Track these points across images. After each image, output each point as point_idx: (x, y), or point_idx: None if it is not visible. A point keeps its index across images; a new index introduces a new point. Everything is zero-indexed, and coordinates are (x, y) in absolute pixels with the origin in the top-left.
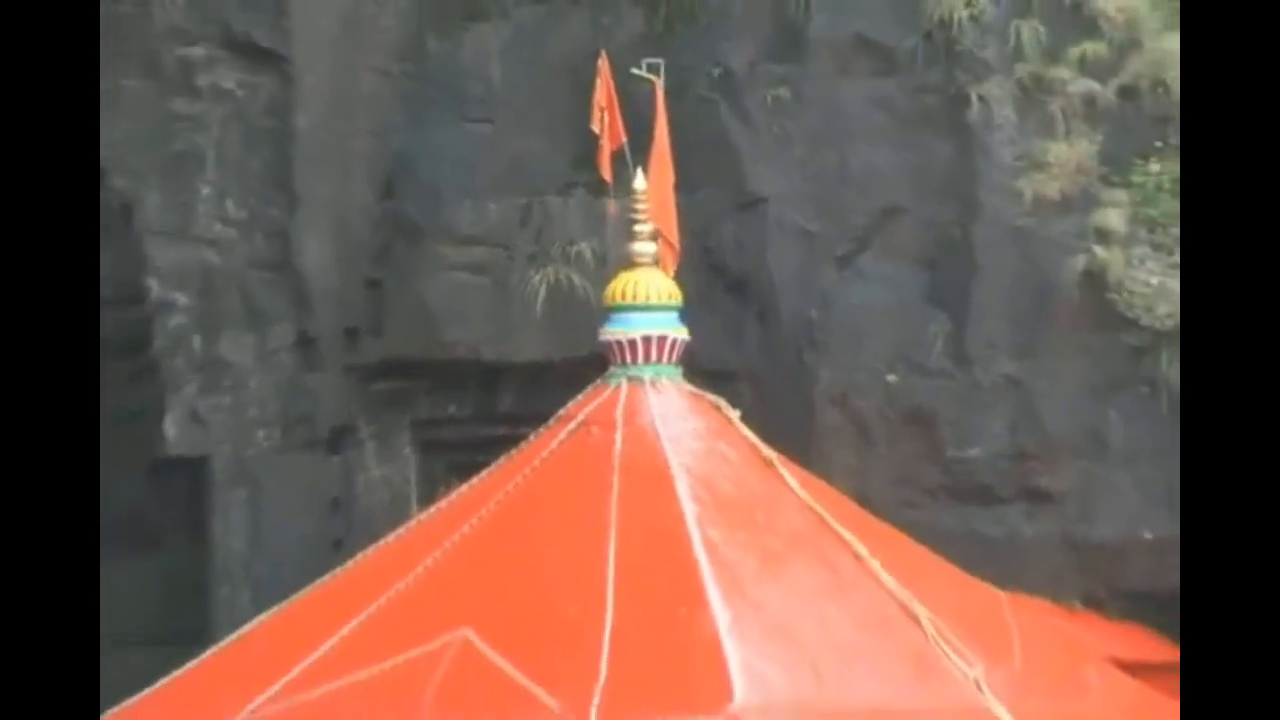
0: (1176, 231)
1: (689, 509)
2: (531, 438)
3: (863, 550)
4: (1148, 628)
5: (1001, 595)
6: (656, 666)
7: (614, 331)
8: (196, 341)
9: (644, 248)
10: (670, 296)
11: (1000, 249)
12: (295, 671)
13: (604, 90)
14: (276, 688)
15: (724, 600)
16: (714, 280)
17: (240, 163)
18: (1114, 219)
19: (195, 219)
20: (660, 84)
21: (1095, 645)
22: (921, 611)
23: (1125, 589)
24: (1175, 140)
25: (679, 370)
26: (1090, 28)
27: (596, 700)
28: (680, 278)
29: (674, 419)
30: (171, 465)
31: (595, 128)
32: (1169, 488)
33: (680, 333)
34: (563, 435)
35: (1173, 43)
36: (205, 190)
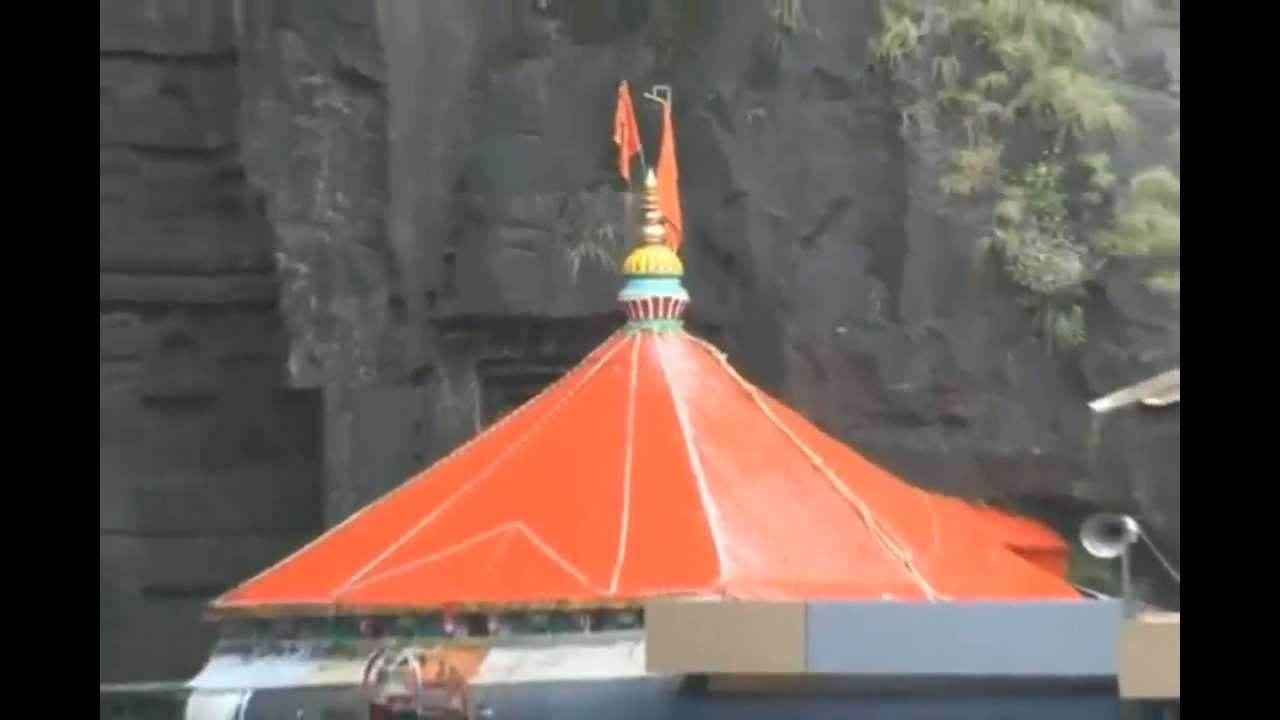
0: (1060, 219)
1: (687, 430)
2: (568, 375)
3: (819, 462)
4: (1036, 522)
5: (925, 497)
6: (662, 550)
7: (631, 294)
8: (313, 301)
9: (654, 230)
10: (674, 268)
11: (925, 233)
12: (386, 553)
13: (624, 110)
14: (372, 565)
15: (714, 500)
16: (706, 255)
17: (346, 165)
18: (1012, 210)
19: (313, 208)
20: (667, 106)
21: (996, 535)
22: (864, 509)
23: (1019, 493)
24: (1059, 149)
25: (680, 324)
26: (994, 63)
27: (616, 575)
28: (681, 253)
29: (676, 361)
30: (293, 396)
31: (617, 139)
32: (1053, 415)
33: (681, 295)
34: (591, 373)
35: (1057, 74)
36: (321, 186)
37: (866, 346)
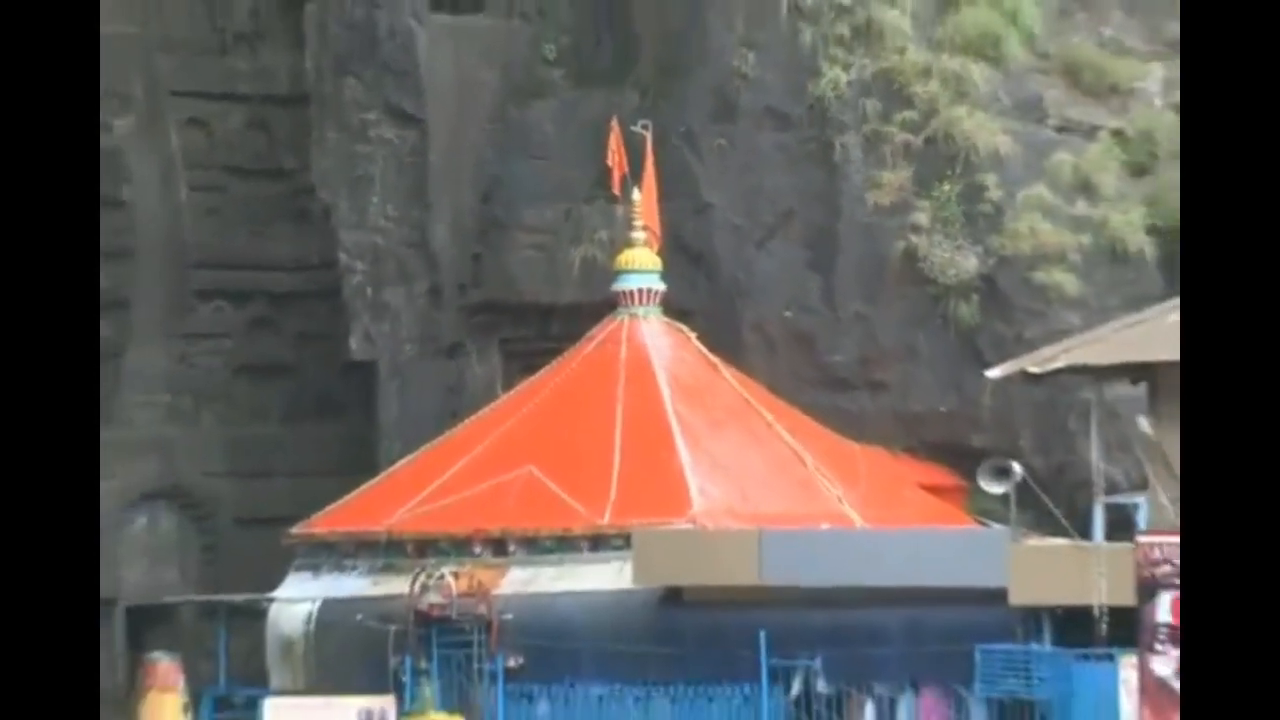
0: (960, 226)
1: (665, 392)
2: (570, 350)
3: (771, 419)
4: (941, 466)
5: (854, 446)
6: (645, 488)
7: (621, 285)
8: (369, 291)
9: (639, 235)
10: (654, 264)
11: (854, 237)
12: (427, 491)
13: (615, 140)
14: (416, 500)
15: (687, 448)
16: (680, 255)
17: (395, 183)
18: (922, 218)
19: (368, 217)
20: (649, 137)
21: (910, 476)
22: (806, 456)
23: (928, 443)
24: (959, 170)
25: (659, 309)
26: (907, 102)
27: (609, 508)
28: (661, 253)
29: (656, 338)
30: (353, 366)
31: (610, 163)
32: (955, 380)
33: (660, 286)
34: (589, 349)
35: (958, 111)
36: (374, 199)
37: (807, 327)
